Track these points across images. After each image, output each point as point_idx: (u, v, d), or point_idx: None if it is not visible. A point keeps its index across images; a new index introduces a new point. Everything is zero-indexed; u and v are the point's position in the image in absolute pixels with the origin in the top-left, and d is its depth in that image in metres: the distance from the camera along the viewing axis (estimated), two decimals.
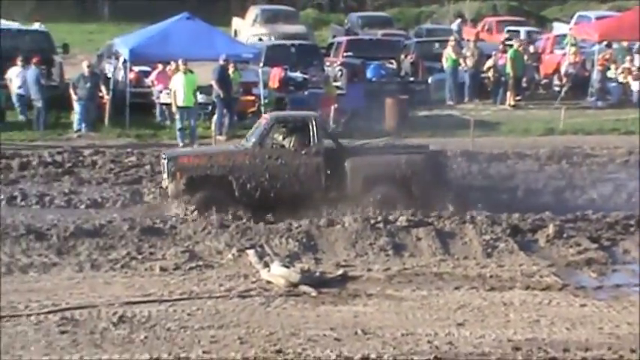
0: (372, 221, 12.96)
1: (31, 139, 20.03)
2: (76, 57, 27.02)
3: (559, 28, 33.72)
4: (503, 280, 11.29)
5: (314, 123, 14.21)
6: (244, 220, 13.13)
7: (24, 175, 16.83)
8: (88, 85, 20.88)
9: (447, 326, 9.65)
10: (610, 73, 25.20)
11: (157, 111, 22.34)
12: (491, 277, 11.40)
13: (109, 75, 23.06)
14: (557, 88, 25.89)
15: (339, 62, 25.83)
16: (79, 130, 20.76)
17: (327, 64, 26.11)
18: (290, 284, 10.77)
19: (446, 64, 25.21)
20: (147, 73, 23.43)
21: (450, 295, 10.68)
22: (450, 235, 12.84)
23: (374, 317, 9.90)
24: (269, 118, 14.67)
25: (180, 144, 19.33)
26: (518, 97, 24.98)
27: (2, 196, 15.20)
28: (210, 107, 21.53)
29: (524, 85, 25.82)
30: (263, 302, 10.28)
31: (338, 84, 23.95)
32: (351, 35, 32.76)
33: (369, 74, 24.97)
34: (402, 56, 27.01)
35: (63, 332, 9.25)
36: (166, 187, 14.15)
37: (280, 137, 14.42)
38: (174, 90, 20.23)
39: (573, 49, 25.88)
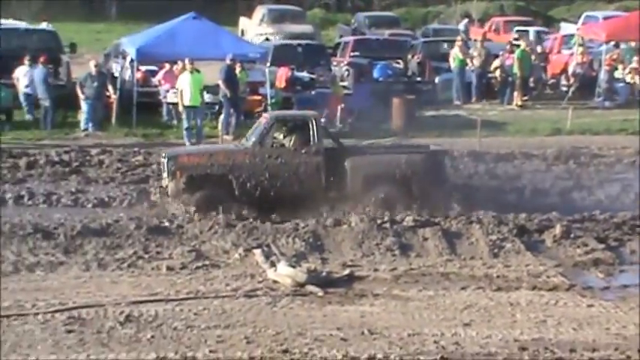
0: (379, 221, 12.95)
1: (39, 138, 20.07)
2: (83, 56, 27.06)
3: (566, 28, 33.68)
4: (509, 280, 11.27)
5: (314, 122, 14.19)
6: (251, 220, 13.12)
7: (31, 174, 16.86)
8: (96, 84, 20.92)
9: (454, 326, 9.63)
10: (617, 74, 25.17)
11: (164, 110, 22.37)
12: (497, 277, 11.39)
13: (116, 74, 23.10)
14: (564, 88, 25.86)
15: (346, 62, 25.85)
16: (86, 129, 20.79)
17: (334, 63, 26.11)
18: (296, 284, 10.77)
19: (453, 64, 25.20)
20: (154, 73, 23.46)
21: (457, 296, 10.67)
22: (456, 236, 12.82)
23: (380, 317, 9.89)
24: (269, 118, 14.64)
25: (187, 143, 19.34)
26: (525, 97, 24.95)
27: (10, 195, 15.23)
28: (217, 107, 21.56)
29: (531, 85, 25.80)
30: (269, 302, 10.28)
31: (345, 84, 23.97)
32: (358, 35, 32.76)
33: (375, 74, 24.97)
34: (409, 56, 27.01)
35: (70, 331, 9.26)
36: (166, 187, 14.12)
37: (280, 136, 14.40)
38: (181, 89, 20.25)
39: (581, 49, 25.85)
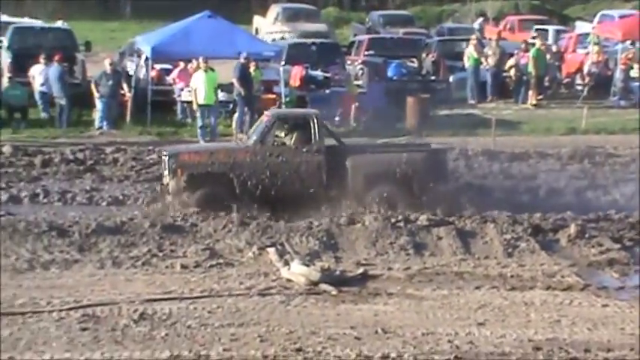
0: (393, 220, 12.93)
1: (54, 137, 20.14)
2: (98, 55, 27.17)
3: (582, 26, 33.55)
4: (524, 279, 11.24)
5: (315, 121, 14.17)
6: (265, 219, 13.13)
7: (46, 173, 16.93)
8: (110, 82, 20.98)
9: (468, 326, 9.62)
10: (633, 73, 25.02)
11: (179, 109, 22.42)
12: (512, 276, 11.36)
13: (131, 73, 23.15)
14: (579, 88, 25.78)
15: (360, 61, 25.82)
16: (101, 127, 20.85)
17: (349, 62, 26.09)
18: (310, 283, 10.77)
19: (467, 63, 25.14)
20: (168, 71, 23.52)
21: (471, 295, 10.64)
22: (470, 235, 12.79)
23: (394, 316, 9.89)
24: (270, 116, 14.62)
25: (202, 142, 19.37)
26: (540, 97, 24.88)
27: (25, 193, 15.29)
28: (231, 105, 21.58)
29: (546, 84, 25.71)
30: (283, 300, 10.28)
31: (359, 83, 23.94)
32: (372, 34, 32.73)
33: (390, 73, 24.94)
34: (424, 55, 26.96)
35: (84, 329, 9.29)
36: (167, 184, 14.13)
37: (282, 135, 14.38)
38: (195, 88, 20.28)
39: (596, 48, 25.74)
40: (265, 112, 15.43)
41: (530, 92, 24.66)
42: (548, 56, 25.39)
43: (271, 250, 11.95)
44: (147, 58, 22.09)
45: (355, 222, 12.95)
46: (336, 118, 21.42)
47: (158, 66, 23.34)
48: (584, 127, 21.65)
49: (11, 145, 18.54)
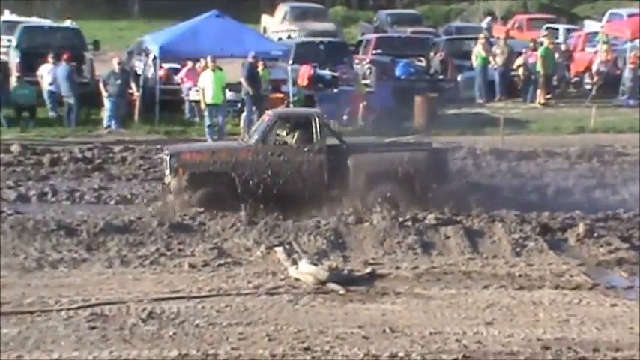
0: (401, 219, 12.93)
1: (62, 136, 20.18)
2: (106, 54, 27.21)
3: (590, 25, 33.48)
4: (532, 279, 11.22)
5: (317, 120, 14.16)
6: (273, 218, 13.13)
7: (54, 171, 16.96)
8: (119, 81, 21.02)
9: (476, 325, 9.61)
10: None
11: (187, 108, 22.45)
12: (520, 275, 11.34)
13: (139, 72, 23.19)
14: (588, 86, 25.72)
15: (368, 60, 25.81)
16: (109, 126, 20.89)
17: (356, 61, 26.08)
18: (318, 282, 10.77)
19: (475, 62, 25.12)
20: (176, 70, 23.55)
21: (479, 294, 10.63)
22: (478, 234, 12.78)
23: (402, 315, 9.88)
24: (272, 115, 14.61)
25: (209, 141, 19.39)
26: (548, 96, 24.84)
27: (33, 192, 15.32)
28: (239, 104, 21.60)
29: (554, 83, 25.67)
30: (291, 299, 10.28)
31: (367, 82, 23.93)
32: (380, 33, 32.71)
33: (398, 72, 24.92)
34: (432, 54, 26.94)
35: (92, 328, 9.30)
36: (169, 184, 14.13)
37: (283, 134, 14.37)
38: (203, 87, 20.30)
39: (605, 46, 25.68)
40: (267, 112, 15.44)
41: (539, 91, 24.63)
42: (556, 55, 25.35)
43: (279, 249, 11.95)
44: (155, 58, 22.12)
45: (363, 221, 12.94)
46: (344, 117, 21.42)
47: (166, 65, 23.37)
48: (593, 126, 21.61)
49: (20, 144, 18.59)
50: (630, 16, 29.53)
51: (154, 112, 21.27)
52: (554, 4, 43.65)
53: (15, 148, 18.26)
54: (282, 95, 22.09)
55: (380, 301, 10.37)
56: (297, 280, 10.92)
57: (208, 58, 20.44)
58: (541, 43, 25.31)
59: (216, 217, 13.12)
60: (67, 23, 27.60)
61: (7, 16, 29.83)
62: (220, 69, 20.57)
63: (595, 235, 12.87)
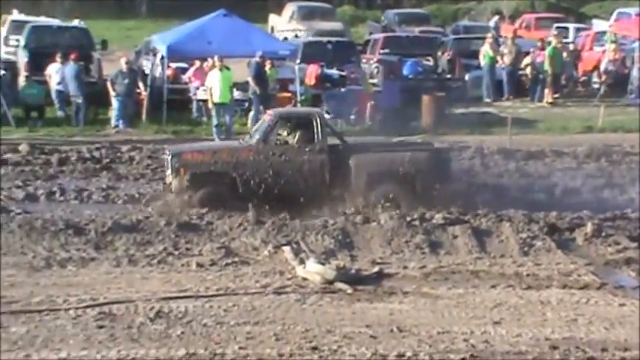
0: (408, 219, 12.91)
1: (70, 135, 20.23)
2: (114, 53, 27.27)
3: (598, 24, 33.41)
4: (540, 278, 11.19)
5: (318, 120, 14.14)
6: (280, 217, 13.13)
7: (63, 171, 17.00)
8: (126, 81, 21.06)
9: (484, 324, 9.59)
10: None
11: (194, 107, 22.48)
12: (528, 275, 11.31)
13: (147, 71, 23.23)
14: (596, 86, 25.67)
15: (375, 59, 25.80)
16: (117, 126, 20.94)
17: (364, 61, 26.07)
18: (325, 281, 10.77)
19: (483, 61, 25.10)
20: (184, 70, 23.58)
21: (487, 294, 10.61)
22: (486, 233, 12.75)
23: (410, 315, 9.87)
24: (273, 115, 14.60)
25: (217, 140, 19.40)
26: (556, 95, 24.81)
27: (42, 191, 15.36)
28: (246, 104, 21.62)
29: (562, 82, 25.63)
30: (298, 299, 10.28)
31: (374, 81, 23.93)
32: (387, 32, 32.70)
33: (405, 71, 24.91)
34: (439, 53, 26.93)
35: (101, 327, 9.31)
36: (170, 183, 14.12)
37: (284, 134, 14.36)
38: (210, 87, 20.33)
39: (613, 45, 25.63)
40: (267, 111, 15.43)
41: (547, 90, 24.60)
42: (564, 54, 25.30)
43: (287, 248, 11.96)
44: (162, 57, 22.16)
45: (370, 220, 12.93)
46: (352, 117, 21.43)
47: (174, 65, 23.41)
48: (601, 126, 21.57)
49: (28, 143, 18.63)
50: (638, 15, 29.47)
51: (161, 111, 21.31)
52: (561, 4, 43.59)
53: (23, 147, 18.31)
54: (289, 95, 22.11)
55: (387, 300, 10.36)
56: (304, 279, 10.92)
57: (215, 58, 20.45)
58: (549, 43, 25.28)
59: (223, 216, 13.12)
60: (75, 23, 27.64)
61: (16, 15, 29.90)
62: (228, 68, 20.59)
63: (603, 234, 12.84)
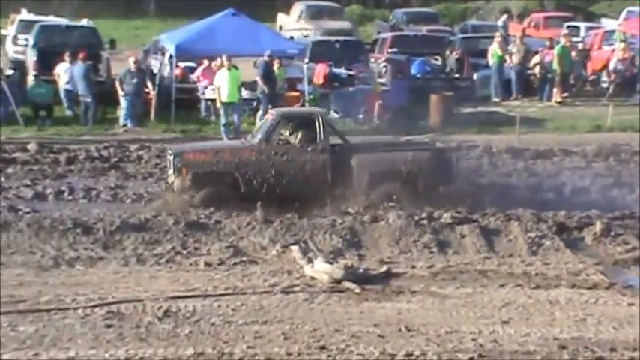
0: (417, 218, 12.90)
1: (79, 134, 20.27)
2: (122, 53, 27.32)
3: (607, 23, 33.32)
4: (548, 277, 11.18)
5: (320, 119, 14.12)
6: (288, 216, 13.13)
7: (71, 170, 17.04)
8: (135, 80, 21.08)
9: (492, 324, 9.58)
10: None
11: (202, 106, 22.49)
12: (536, 274, 11.30)
13: (155, 71, 23.25)
14: (604, 85, 25.60)
15: (383, 58, 25.78)
16: (126, 125, 20.96)
17: (372, 60, 26.05)
18: (334, 280, 10.76)
19: (491, 60, 25.05)
20: (192, 69, 23.60)
21: (495, 293, 10.60)
22: (494, 233, 12.74)
23: (418, 314, 9.86)
24: (275, 115, 14.60)
25: (225, 139, 19.41)
26: (564, 94, 24.75)
27: (50, 190, 15.39)
28: (254, 103, 21.62)
29: (571, 81, 25.57)
30: (307, 298, 10.28)
31: (382, 80, 23.91)
32: (396, 31, 32.67)
33: (413, 70, 24.89)
34: (448, 52, 26.89)
35: (109, 326, 9.33)
36: (172, 183, 14.10)
37: (286, 134, 14.34)
38: (219, 86, 20.33)
39: (622, 45, 25.55)
40: (270, 111, 15.42)
41: (555, 90, 24.54)
42: (573, 53, 25.24)
43: (295, 247, 11.96)
44: (171, 56, 22.17)
45: (379, 220, 12.92)
46: (360, 116, 21.42)
47: (182, 64, 23.41)
48: (610, 125, 21.51)
49: (37, 142, 18.67)
50: None
51: (169, 110, 21.32)
52: (570, 3, 43.46)
53: (32, 146, 18.35)
54: (297, 94, 22.10)
55: (396, 299, 10.36)
56: (312, 278, 10.92)
57: (224, 57, 20.46)
58: (558, 42, 25.21)
59: (231, 215, 13.13)
60: (84, 22, 27.70)
61: (25, 15, 30.00)
62: (236, 67, 20.60)
63: (612, 233, 12.81)
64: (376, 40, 29.51)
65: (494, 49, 25.05)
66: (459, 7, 44.57)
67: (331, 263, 11.12)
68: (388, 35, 29.56)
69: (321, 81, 23.07)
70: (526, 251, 12.23)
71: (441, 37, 29.25)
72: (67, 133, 20.32)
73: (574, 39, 26.68)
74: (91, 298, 10.07)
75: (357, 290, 10.58)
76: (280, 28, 34.34)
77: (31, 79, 22.17)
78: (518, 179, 16.27)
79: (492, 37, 25.98)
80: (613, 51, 26.10)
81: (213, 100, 21.27)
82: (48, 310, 9.69)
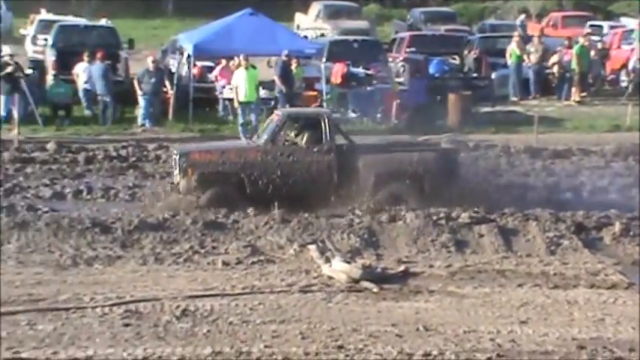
0: (434, 218, 12.88)
1: (97, 134, 20.33)
2: (140, 52, 27.39)
3: (627, 22, 33.15)
4: (567, 277, 11.14)
5: (326, 120, 14.09)
6: (306, 216, 13.13)
7: (90, 169, 17.10)
8: (153, 80, 21.12)
9: (510, 324, 9.55)
10: None
11: (220, 106, 22.52)
12: (555, 274, 11.26)
13: (173, 70, 23.29)
14: (624, 84, 25.48)
15: (401, 58, 25.74)
16: (144, 124, 21.01)
17: (390, 59, 26.02)
18: (351, 280, 10.76)
19: (510, 59, 24.99)
20: (210, 69, 23.64)
21: (513, 293, 10.57)
22: (512, 232, 12.70)
23: (435, 314, 9.85)
24: (281, 115, 14.57)
25: (243, 139, 19.43)
26: (583, 94, 24.65)
27: (69, 190, 15.45)
28: (272, 102, 21.63)
29: (590, 80, 25.46)
30: (324, 297, 10.28)
31: (400, 80, 23.87)
32: (413, 31, 32.61)
33: (431, 70, 24.81)
34: (466, 52, 26.81)
35: (127, 325, 9.35)
36: (178, 183, 14.10)
37: (292, 134, 14.32)
38: (236, 86, 20.35)
39: None
40: (276, 112, 15.41)
41: (574, 89, 24.45)
42: (592, 53, 25.13)
43: (312, 247, 11.95)
44: (189, 56, 22.21)
45: (396, 219, 12.91)
46: (378, 116, 21.39)
47: (200, 63, 23.46)
48: (629, 124, 21.40)
49: (55, 141, 18.75)
50: None
51: (187, 110, 21.36)
52: (589, 2, 43.26)
53: (51, 146, 18.43)
54: (315, 93, 22.10)
55: (413, 299, 10.35)
56: (330, 278, 10.91)
57: (241, 57, 20.48)
58: (577, 41, 25.10)
59: (249, 215, 13.14)
60: (102, 22, 27.82)
61: (44, 15, 30.15)
62: (254, 67, 20.62)
63: (631, 233, 12.75)
64: (394, 40, 29.46)
65: (512, 48, 24.98)
66: (477, 6, 44.44)
67: (349, 263, 11.12)
68: (406, 35, 29.51)
69: (338, 80, 23.05)
70: (544, 251, 12.19)
71: (459, 37, 29.17)
72: (86, 132, 20.40)
73: (597, 38, 26.52)
74: (109, 297, 10.10)
75: (375, 290, 10.57)
76: (298, 27, 34.35)
77: (50, 79, 22.26)
78: (537, 179, 16.22)
79: (510, 37, 25.91)
80: (632, 50, 25.97)
81: (230, 100, 21.29)
82: (66, 309, 9.73)
